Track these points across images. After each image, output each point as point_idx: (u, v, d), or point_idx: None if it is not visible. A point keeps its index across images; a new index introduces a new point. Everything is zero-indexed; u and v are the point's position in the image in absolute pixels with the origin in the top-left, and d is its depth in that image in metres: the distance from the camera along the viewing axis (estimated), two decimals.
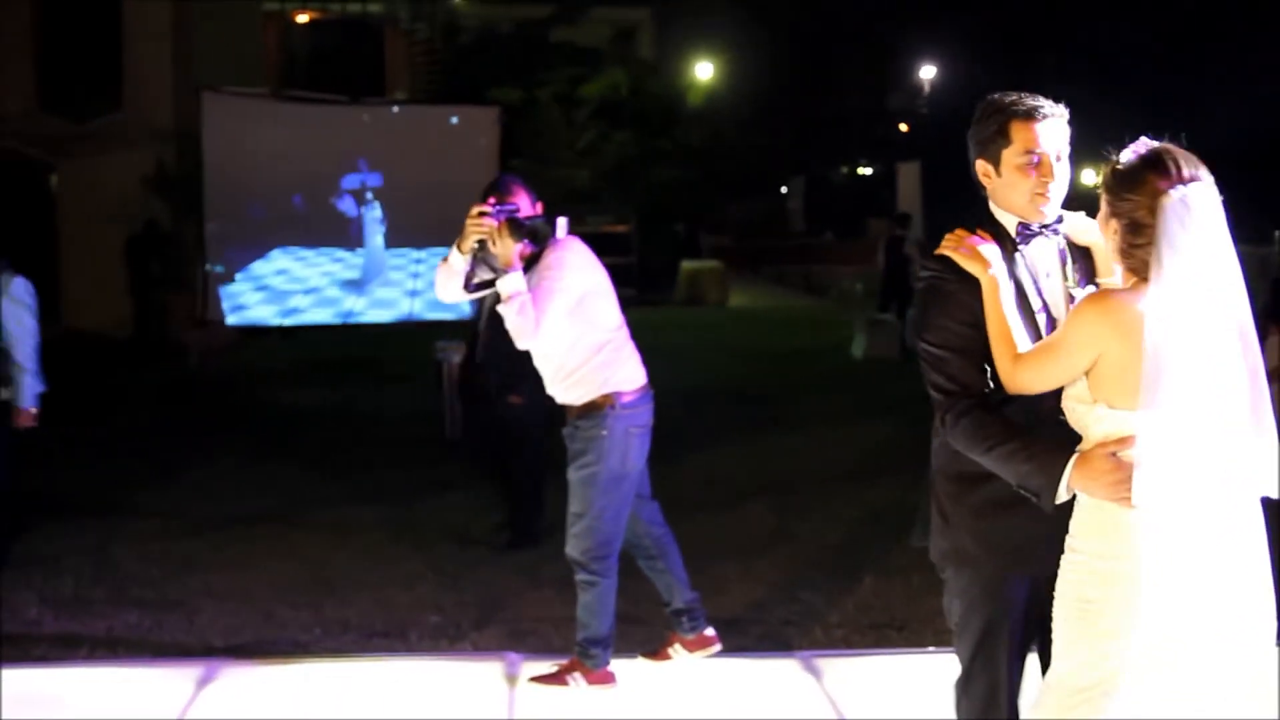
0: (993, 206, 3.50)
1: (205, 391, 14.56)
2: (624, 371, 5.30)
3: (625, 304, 5.42)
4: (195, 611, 6.58)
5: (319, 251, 13.83)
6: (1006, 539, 3.45)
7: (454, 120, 15.10)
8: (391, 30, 27.78)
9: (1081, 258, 3.51)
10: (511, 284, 5.01)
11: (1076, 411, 3.23)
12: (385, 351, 15.34)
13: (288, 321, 14.28)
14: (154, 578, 7.17)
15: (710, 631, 5.64)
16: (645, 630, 6.04)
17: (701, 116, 30.94)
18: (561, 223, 5.29)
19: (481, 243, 5.12)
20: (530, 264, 5.16)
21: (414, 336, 13.95)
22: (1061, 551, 3.40)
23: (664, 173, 27.58)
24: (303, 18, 27.21)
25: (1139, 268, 3.14)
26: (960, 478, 3.49)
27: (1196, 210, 3.08)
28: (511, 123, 19.38)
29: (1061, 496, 3.22)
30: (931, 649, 5.78)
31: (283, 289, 14.17)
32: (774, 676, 5.58)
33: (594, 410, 5.23)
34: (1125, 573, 3.12)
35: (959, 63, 35.79)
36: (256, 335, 17.79)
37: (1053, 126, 3.40)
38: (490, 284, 5.20)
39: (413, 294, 14.65)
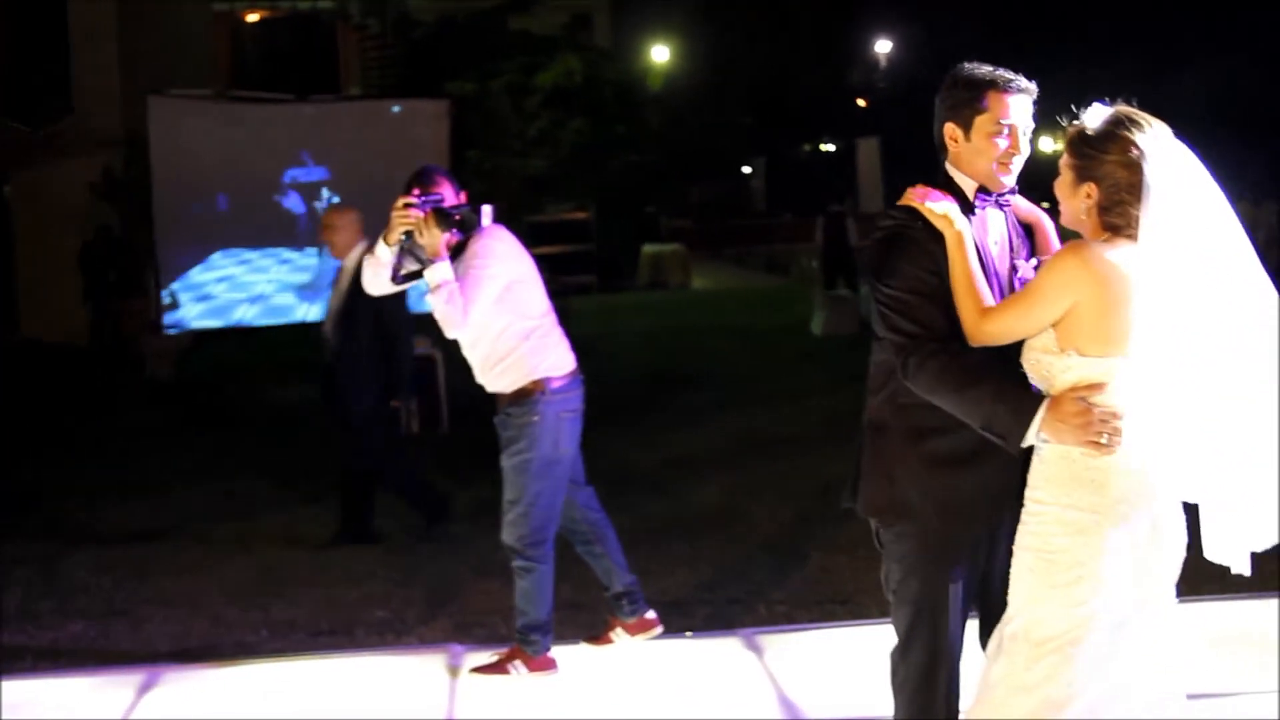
0: (952, 170, 3.56)
1: (162, 398, 14.50)
2: (552, 357, 5.33)
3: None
4: (143, 619, 6.57)
5: (265, 253, 13.71)
6: (955, 495, 3.47)
7: (404, 114, 15.01)
8: (343, 26, 27.65)
9: (1026, 235, 3.63)
10: (439, 273, 5.05)
11: (1042, 363, 3.28)
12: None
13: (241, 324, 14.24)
14: (104, 586, 7.14)
15: (651, 614, 5.67)
16: (588, 615, 6.08)
17: (660, 100, 30.84)
18: (486, 211, 5.31)
19: (408, 234, 5.14)
20: (456, 253, 5.19)
21: None
22: (1005, 510, 3.45)
23: (622, 158, 27.52)
24: (253, 17, 27.08)
25: (1120, 224, 3.24)
26: (910, 432, 3.50)
27: (1175, 164, 3.21)
28: (464, 114, 19.34)
29: (1029, 439, 3.26)
30: (872, 620, 5.81)
31: (227, 298, 14.00)
32: (715, 655, 5.61)
33: (524, 397, 5.27)
34: (1092, 523, 3.19)
35: (914, 36, 35.81)
36: (214, 339, 17.74)
37: (1024, 101, 3.50)
38: (417, 275, 5.23)
39: None
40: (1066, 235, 3.53)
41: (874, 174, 29.84)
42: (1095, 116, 3.29)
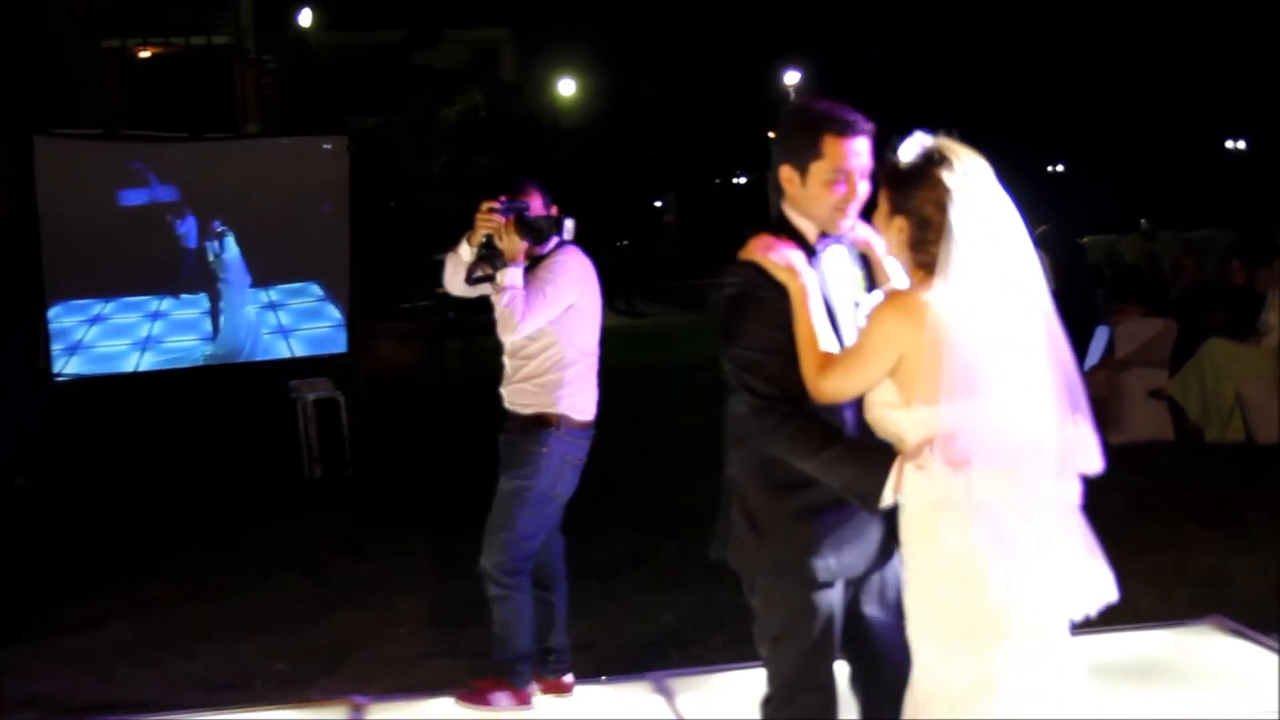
0: (790, 213, 3.57)
1: (52, 446, 14.21)
2: (579, 398, 5.42)
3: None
4: (29, 678, 6.42)
5: (155, 298, 13.39)
6: (826, 546, 3.48)
7: (302, 151, 14.84)
8: (239, 61, 27.43)
9: (866, 265, 3.64)
10: (509, 277, 5.18)
11: (889, 418, 3.29)
12: (237, 390, 15.10)
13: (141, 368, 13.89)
14: None
15: (569, 679, 5.66)
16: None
17: (570, 133, 30.93)
18: (569, 226, 5.42)
19: (490, 238, 5.26)
20: (534, 264, 5.31)
21: (269, 374, 13.74)
22: (878, 555, 3.50)
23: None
24: (145, 53, 26.77)
25: (930, 263, 3.24)
26: (776, 486, 3.51)
27: (983, 202, 3.20)
28: (365, 150, 19.27)
29: (886, 500, 3.28)
30: None
31: (117, 344, 13.64)
32: (625, 700, 5.61)
33: (536, 427, 5.34)
34: (975, 569, 3.18)
35: (822, 68, 36.21)
36: (106, 385, 17.31)
37: (863, 144, 3.48)
38: (489, 278, 5.33)
39: (285, 337, 14.10)
40: None
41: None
42: (911, 148, 3.29)
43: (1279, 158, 32.80)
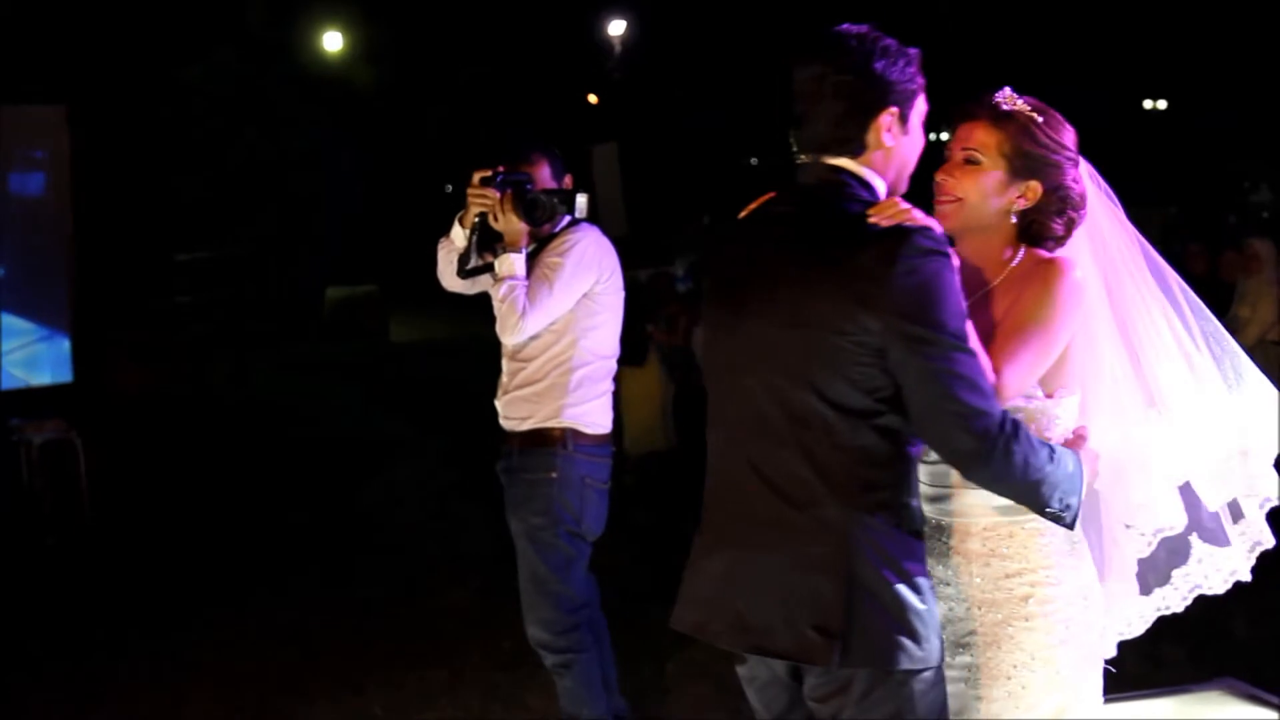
0: (869, 174, 3.23)
1: None
2: (591, 408, 5.28)
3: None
4: None
5: None
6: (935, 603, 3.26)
7: (10, 121, 14.37)
8: None
9: None
10: (508, 266, 5.07)
11: (1025, 410, 3.23)
12: None
13: None
14: None
15: None
16: None
17: (343, 104, 30.48)
18: (581, 202, 5.27)
19: (484, 217, 5.15)
20: (541, 247, 5.23)
21: None
22: None
23: (302, 175, 27.21)
24: None
25: (1044, 235, 3.33)
26: (901, 544, 3.14)
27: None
28: (92, 123, 18.84)
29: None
30: None
31: None
32: None
33: (541, 444, 5.21)
34: (1093, 591, 3.36)
35: (655, 13, 36.25)
36: None
37: None
38: (488, 269, 5.21)
39: None
40: None
41: (614, 187, 29.55)
42: (1017, 102, 3.34)
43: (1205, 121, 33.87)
